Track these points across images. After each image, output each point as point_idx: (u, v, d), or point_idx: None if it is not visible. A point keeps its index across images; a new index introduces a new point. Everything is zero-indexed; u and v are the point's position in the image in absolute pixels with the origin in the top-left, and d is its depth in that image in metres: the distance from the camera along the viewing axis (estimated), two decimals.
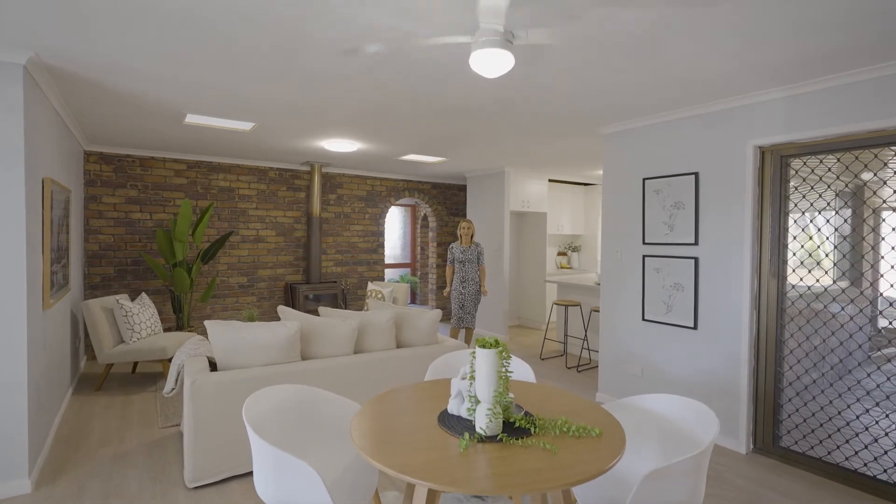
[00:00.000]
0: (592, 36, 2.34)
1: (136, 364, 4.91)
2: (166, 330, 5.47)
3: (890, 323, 2.93)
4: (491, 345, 1.69)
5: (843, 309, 2.96)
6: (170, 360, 4.76)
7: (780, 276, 3.20)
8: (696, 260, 3.57)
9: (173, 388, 3.10)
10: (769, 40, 2.40)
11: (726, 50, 2.51)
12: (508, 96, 3.37)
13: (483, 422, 1.65)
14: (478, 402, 1.72)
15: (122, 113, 3.95)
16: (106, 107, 3.76)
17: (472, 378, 1.77)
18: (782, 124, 3.13)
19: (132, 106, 3.73)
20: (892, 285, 2.76)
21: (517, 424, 1.72)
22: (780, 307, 3.21)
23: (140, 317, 4.52)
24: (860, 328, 2.93)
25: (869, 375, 2.85)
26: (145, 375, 4.85)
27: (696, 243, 3.58)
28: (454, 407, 1.85)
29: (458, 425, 1.75)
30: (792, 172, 3.17)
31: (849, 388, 2.91)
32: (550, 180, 7.64)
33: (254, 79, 3.06)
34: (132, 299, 5.58)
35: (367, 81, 3.08)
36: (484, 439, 1.63)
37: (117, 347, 4.32)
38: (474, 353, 1.75)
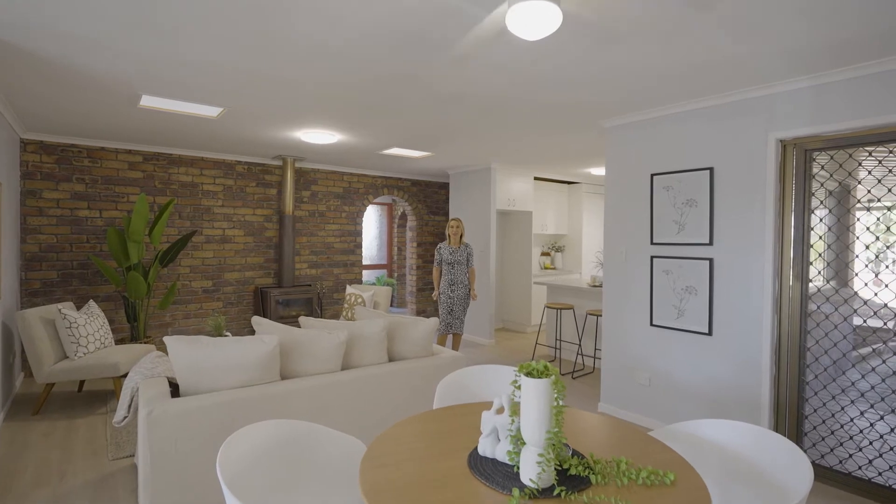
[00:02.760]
0: (610, 14, 2.03)
1: (82, 381, 4.31)
2: (119, 342, 4.87)
3: None
4: (540, 372, 1.34)
5: (875, 313, 2.77)
6: (123, 377, 4.21)
7: (804, 278, 2.99)
8: (711, 261, 3.34)
9: (125, 417, 2.60)
10: (798, 21, 2.16)
11: (750, 31, 2.26)
12: (509, 82, 3.04)
13: (533, 471, 1.30)
14: (523, 443, 1.37)
15: (66, 93, 3.39)
16: (45, 85, 3.20)
17: (515, 413, 1.42)
18: (807, 116, 2.92)
19: (77, 84, 3.19)
20: None
21: (571, 471, 1.38)
22: (803, 311, 3.00)
23: (87, 328, 3.94)
24: (895, 333, 2.74)
25: None
26: (93, 394, 4.26)
27: (710, 243, 3.34)
28: (487, 447, 1.49)
29: (496, 473, 1.39)
30: (817, 167, 2.97)
31: (882, 399, 2.72)
32: (536, 178, 7.38)
33: (226, 50, 2.61)
34: (78, 308, 4.95)
35: (357, 57, 2.68)
36: (536, 495, 1.28)
37: (59, 364, 3.74)
38: (517, 382, 1.39)
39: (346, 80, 3.06)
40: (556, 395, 1.32)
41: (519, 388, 1.39)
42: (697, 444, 1.76)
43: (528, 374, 1.35)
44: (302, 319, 3.09)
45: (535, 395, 1.31)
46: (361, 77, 3.01)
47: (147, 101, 3.58)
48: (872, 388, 2.75)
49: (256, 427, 1.62)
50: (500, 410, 1.50)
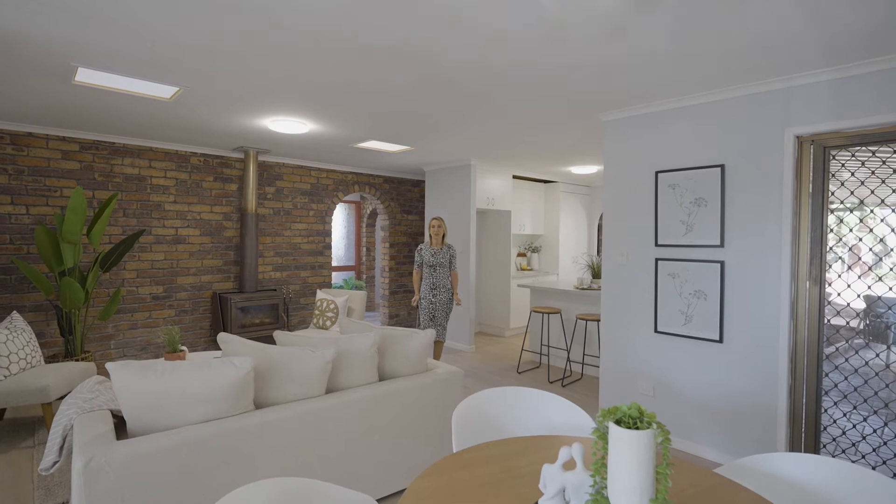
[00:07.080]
0: None
1: (3, 408, 3.65)
2: (51, 358, 4.20)
3: None
4: (633, 419, 1.01)
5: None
6: (60, 399, 3.59)
7: (822, 281, 2.84)
8: (722, 264, 3.15)
9: (55, 463, 2.09)
10: (825, 6, 1.96)
11: (773, 15, 2.05)
12: (509, 63, 2.72)
13: None
14: None
15: None
16: None
17: (598, 473, 1.08)
18: (827, 111, 2.76)
19: None
20: None
21: None
22: (821, 316, 2.85)
23: (9, 345, 3.32)
24: None
25: None
26: (18, 423, 3.61)
27: (721, 245, 3.15)
28: None
29: None
30: (837, 165, 2.82)
31: None
32: (514, 177, 7.13)
33: (184, 9, 2.14)
34: None
35: (345, 23, 2.28)
36: None
37: None
38: (600, 430, 1.06)
39: (333, 53, 2.65)
40: (660, 443, 1.00)
41: (602, 437, 1.06)
42: (771, 481, 1.49)
43: (618, 422, 1.02)
44: (277, 334, 2.64)
45: (631, 452, 0.98)
46: (351, 50, 2.61)
47: (84, 76, 3.02)
48: None
49: (248, 491, 1.22)
50: (568, 464, 1.17)
